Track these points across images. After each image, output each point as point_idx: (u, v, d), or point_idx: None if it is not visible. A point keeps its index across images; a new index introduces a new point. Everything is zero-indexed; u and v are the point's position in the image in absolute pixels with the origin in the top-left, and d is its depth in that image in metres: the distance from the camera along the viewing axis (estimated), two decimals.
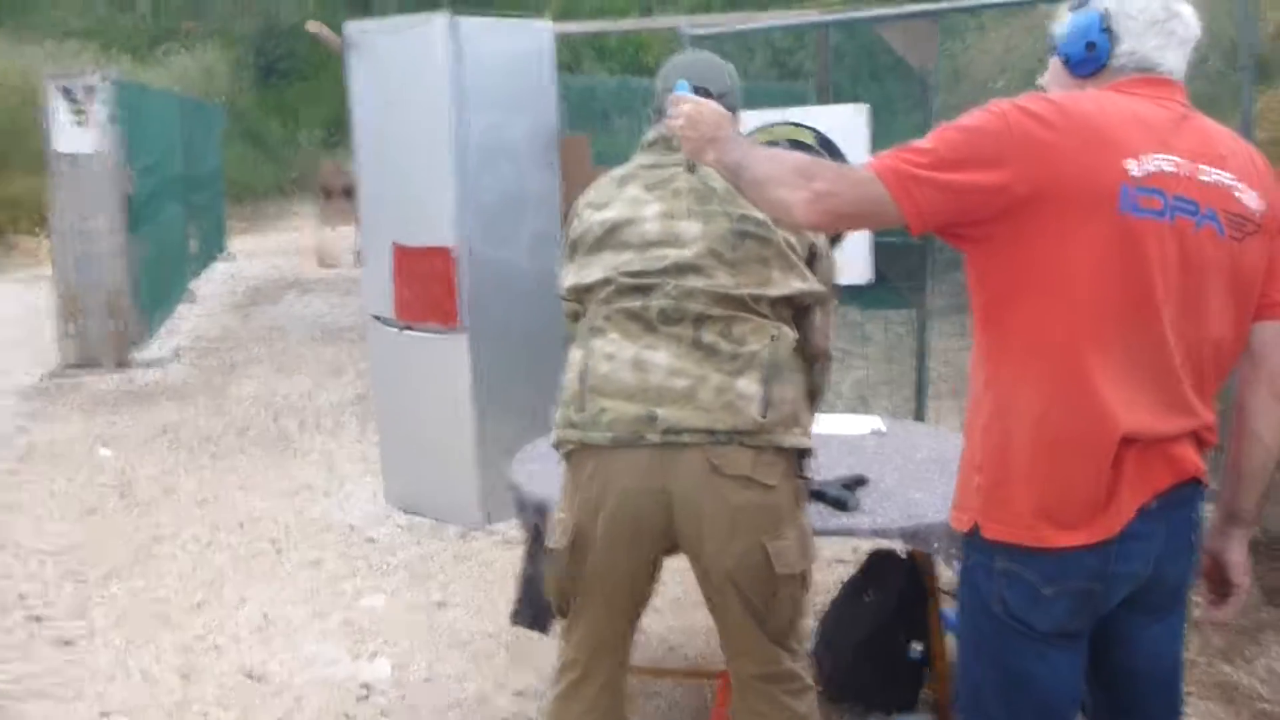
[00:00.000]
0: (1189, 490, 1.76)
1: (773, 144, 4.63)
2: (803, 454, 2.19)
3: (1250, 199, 1.74)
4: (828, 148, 4.34)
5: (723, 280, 2.15)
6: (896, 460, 3.08)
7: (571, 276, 2.30)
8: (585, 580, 2.21)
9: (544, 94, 4.77)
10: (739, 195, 2.08)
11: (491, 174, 4.58)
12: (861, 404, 6.18)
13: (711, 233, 2.17)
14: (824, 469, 3.00)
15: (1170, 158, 1.68)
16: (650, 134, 2.33)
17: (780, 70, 13.61)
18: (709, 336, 2.13)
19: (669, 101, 2.04)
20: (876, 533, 2.61)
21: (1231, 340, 1.78)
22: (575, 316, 2.31)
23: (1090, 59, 1.80)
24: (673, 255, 2.17)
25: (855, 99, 4.54)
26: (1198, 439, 1.77)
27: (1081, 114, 1.68)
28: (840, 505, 2.69)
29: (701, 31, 4.94)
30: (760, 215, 2.15)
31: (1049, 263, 1.66)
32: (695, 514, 2.11)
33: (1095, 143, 1.65)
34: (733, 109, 2.31)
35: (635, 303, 2.17)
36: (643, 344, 2.15)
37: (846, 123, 4.48)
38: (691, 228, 2.19)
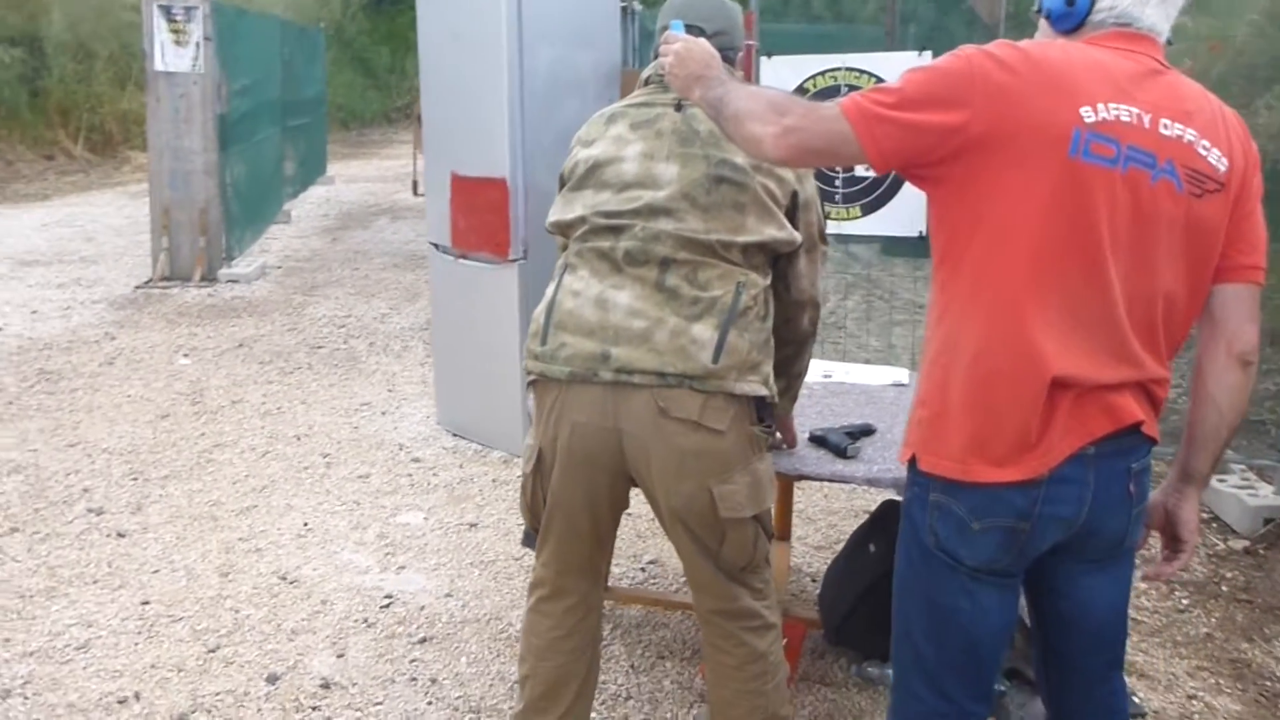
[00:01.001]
0: (1129, 441, 1.76)
1: (833, 88, 4.61)
2: (762, 402, 2.21)
3: (1214, 157, 1.73)
4: None
5: (693, 224, 2.16)
6: None
7: (555, 212, 2.35)
8: (549, 506, 2.28)
9: (608, 28, 4.79)
10: (722, 139, 2.12)
11: (553, 108, 4.62)
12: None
13: (687, 176, 2.19)
14: (838, 416, 3.03)
15: (1129, 108, 1.68)
16: (646, 71, 2.36)
17: (862, 11, 13.34)
18: (672, 280, 2.15)
19: (662, 40, 2.07)
20: (869, 481, 2.63)
21: (1184, 297, 1.77)
22: (563, 249, 2.36)
23: (1071, 14, 1.81)
24: (646, 197, 2.19)
25: (922, 49, 4.45)
26: (1145, 391, 1.76)
27: (1044, 60, 1.70)
28: (839, 452, 2.72)
29: None
30: (739, 160, 2.17)
31: (999, 204, 1.68)
32: (644, 453, 2.15)
33: (1053, 88, 1.67)
34: (731, 48, 2.32)
35: (605, 243, 2.21)
36: (609, 283, 2.19)
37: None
38: (669, 170, 2.21)
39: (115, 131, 15.53)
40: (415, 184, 12.56)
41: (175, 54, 7.99)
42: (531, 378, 2.25)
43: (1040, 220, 1.66)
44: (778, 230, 2.20)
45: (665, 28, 2.19)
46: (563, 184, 2.37)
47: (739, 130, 1.86)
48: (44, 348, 6.51)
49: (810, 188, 2.28)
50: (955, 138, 1.68)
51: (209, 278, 8.38)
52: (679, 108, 2.23)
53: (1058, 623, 1.93)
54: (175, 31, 7.95)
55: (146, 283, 8.27)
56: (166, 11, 7.94)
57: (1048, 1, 1.84)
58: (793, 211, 2.24)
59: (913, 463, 1.83)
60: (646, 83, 2.35)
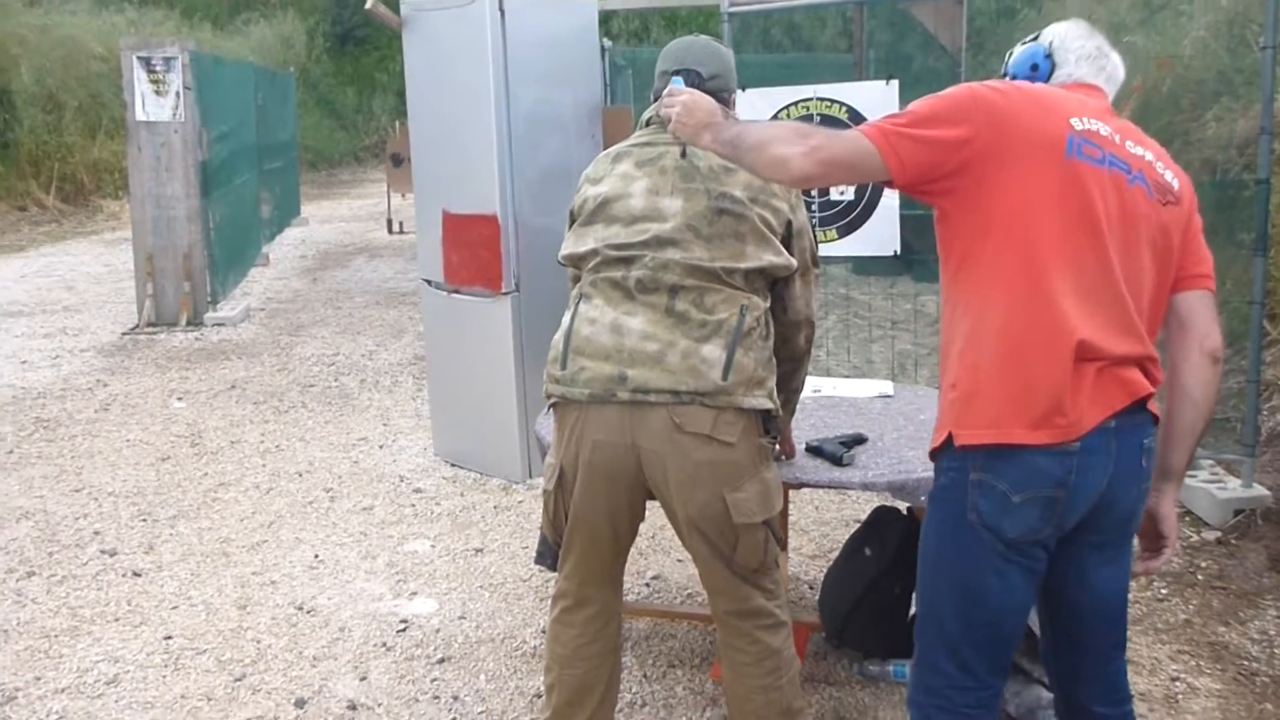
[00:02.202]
0: (1140, 417, 1.98)
1: (806, 117, 4.82)
2: (767, 415, 2.38)
3: (1168, 176, 2.04)
4: (858, 123, 4.50)
5: (698, 253, 2.35)
6: (899, 421, 3.27)
7: (568, 246, 2.53)
8: (571, 520, 2.45)
9: (589, 68, 4.99)
10: (721, 175, 2.33)
11: (537, 146, 4.81)
12: (901, 372, 6.34)
13: (690, 209, 2.38)
14: (830, 428, 3.21)
15: (1104, 125, 1.99)
16: (646, 113, 2.54)
17: (849, 41, 13.71)
18: (681, 305, 2.33)
19: (665, 94, 2.28)
20: (865, 486, 2.81)
21: (1153, 288, 2.01)
22: (575, 280, 2.54)
23: (1034, 76, 2.15)
24: (653, 229, 2.38)
25: (889, 76, 4.68)
26: (1146, 370, 1.98)
27: (1032, 89, 2.03)
28: (835, 460, 2.89)
29: (742, 9, 5.09)
30: (738, 193, 2.36)
31: (1009, 202, 1.93)
32: (661, 467, 2.32)
33: (1043, 106, 1.98)
34: (726, 89, 2.52)
35: (618, 273, 2.39)
36: (622, 310, 2.36)
37: (878, 98, 4.64)
38: (673, 204, 2.39)
39: (87, 181, 15.58)
40: (390, 222, 12.72)
41: (156, 104, 8.13)
42: (552, 400, 2.42)
43: (1049, 210, 1.91)
44: (775, 256, 2.38)
45: (665, 73, 2.39)
46: (573, 220, 2.55)
47: (762, 156, 2.06)
48: (38, 396, 6.60)
49: (803, 216, 2.47)
50: (962, 150, 1.93)
51: (195, 322, 8.49)
52: (681, 147, 2.42)
53: (1068, 610, 2.12)
54: (155, 82, 8.09)
55: (133, 329, 8.37)
56: (146, 63, 8.09)
57: (1013, 69, 2.21)
58: (788, 239, 2.43)
59: (947, 444, 2.00)
60: (647, 124, 2.53)
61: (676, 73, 2.44)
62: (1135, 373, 1.96)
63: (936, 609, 2.08)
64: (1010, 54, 2.25)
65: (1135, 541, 2.14)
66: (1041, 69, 2.14)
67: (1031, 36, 2.23)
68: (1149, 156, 2.03)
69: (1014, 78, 2.17)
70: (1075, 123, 1.95)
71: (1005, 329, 1.92)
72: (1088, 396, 1.90)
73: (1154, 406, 2.00)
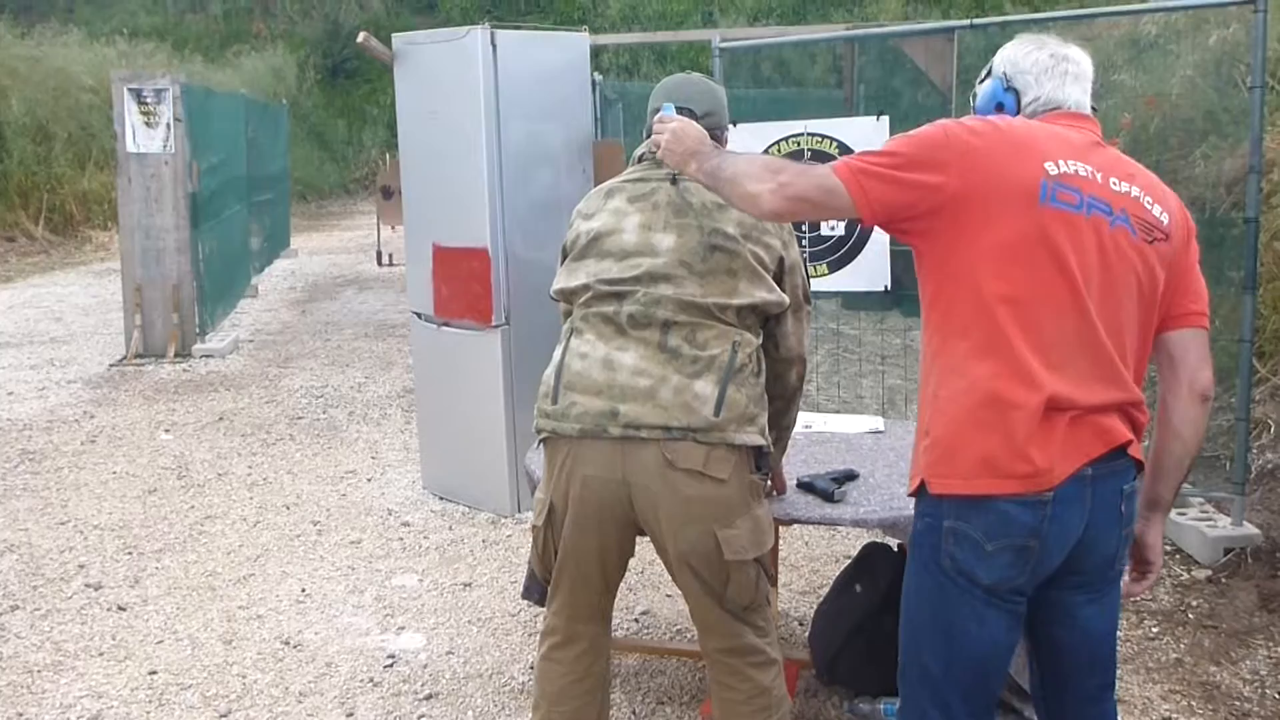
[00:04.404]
0: (1121, 463, 1.96)
1: (797, 153, 4.84)
2: (759, 451, 2.38)
3: (1156, 211, 2.01)
4: None
5: (690, 289, 2.35)
6: (889, 457, 3.27)
7: (560, 280, 2.52)
8: (561, 555, 2.43)
9: (579, 103, 5.00)
10: (714, 211, 2.33)
11: (528, 180, 4.82)
12: (891, 407, 6.35)
13: (684, 245, 2.38)
14: (821, 464, 3.20)
15: (1084, 165, 1.96)
16: (640, 149, 2.55)
17: (839, 77, 13.85)
18: (674, 340, 2.33)
19: (655, 120, 2.28)
20: (856, 522, 2.80)
21: (1138, 330, 2.00)
22: (567, 315, 2.53)
23: (1004, 112, 2.11)
24: (646, 264, 2.38)
25: (879, 112, 4.70)
26: (1127, 416, 1.96)
27: (1009, 128, 1.98)
28: (826, 497, 2.88)
29: (732, 44, 5.13)
30: (731, 230, 2.37)
31: (981, 249, 1.91)
32: (652, 503, 2.31)
33: (1018, 148, 1.94)
34: (719, 126, 2.53)
35: (609, 307, 2.39)
36: (614, 345, 2.36)
37: (868, 134, 4.66)
38: (666, 239, 2.39)
39: (76, 211, 15.54)
40: (380, 254, 12.71)
41: (146, 135, 8.13)
42: (543, 435, 2.41)
43: (1020, 260, 1.89)
44: (768, 293, 2.38)
45: (658, 110, 2.39)
46: (565, 255, 2.55)
47: (735, 190, 2.07)
48: (24, 428, 6.55)
49: (795, 253, 2.47)
50: (936, 195, 1.91)
51: (183, 354, 8.45)
52: (674, 182, 2.42)
53: (1055, 650, 2.10)
54: (146, 114, 8.10)
55: (121, 360, 8.33)
56: (137, 94, 8.10)
57: (980, 112, 2.15)
58: (780, 275, 2.44)
59: (922, 490, 2.00)
60: (640, 159, 2.54)
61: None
62: (1113, 420, 1.94)
63: (918, 654, 2.06)
64: (974, 94, 2.22)
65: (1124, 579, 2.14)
66: (1007, 105, 2.10)
67: (985, 72, 2.19)
68: (1135, 193, 1.99)
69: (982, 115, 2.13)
70: (1050, 167, 1.92)
71: (974, 382, 1.91)
72: (1059, 447, 1.89)
73: (1136, 451, 1.98)
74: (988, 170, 1.90)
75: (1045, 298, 1.89)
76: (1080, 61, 2.10)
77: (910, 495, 2.06)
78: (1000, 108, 2.10)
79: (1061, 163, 1.93)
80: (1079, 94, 2.08)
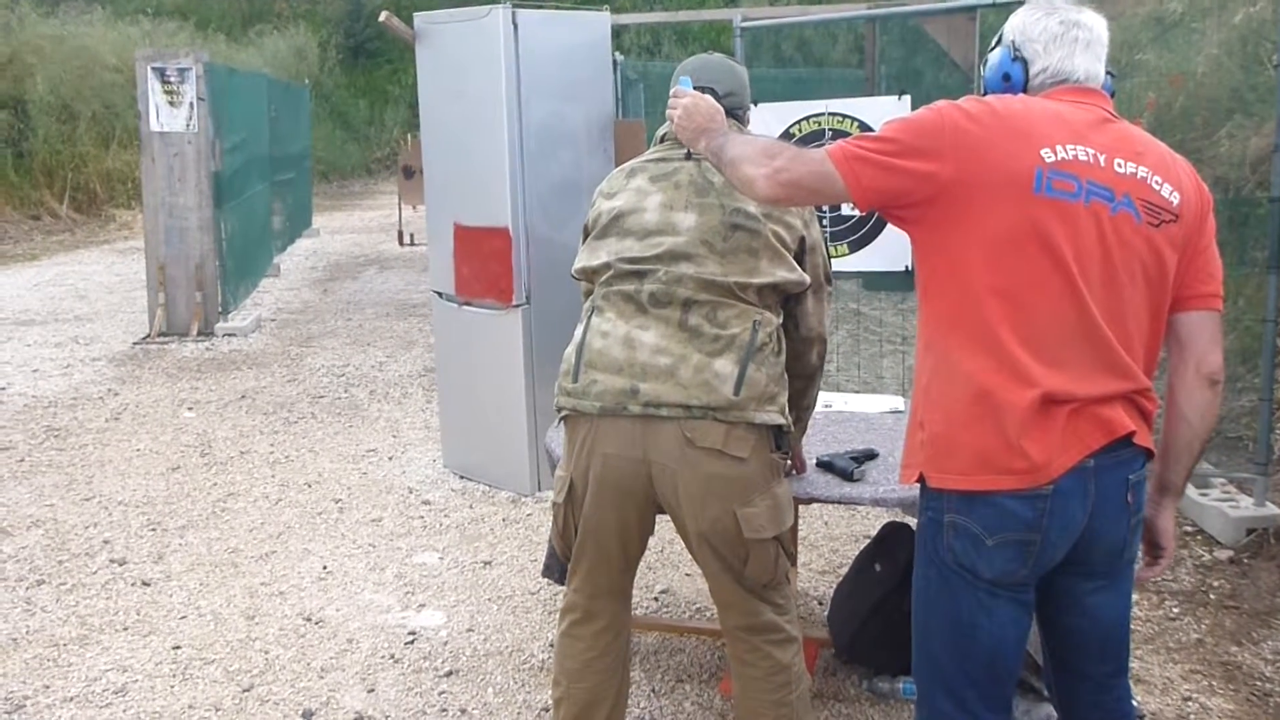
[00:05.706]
0: (1126, 453, 1.93)
1: (818, 133, 4.83)
2: (779, 430, 2.37)
3: (1166, 191, 1.94)
4: None
5: (711, 268, 2.34)
6: None
7: (581, 259, 2.52)
8: (581, 533, 2.44)
9: (601, 83, 4.99)
10: (736, 190, 2.31)
11: (549, 159, 4.82)
12: (911, 387, 6.32)
13: (705, 224, 2.37)
14: (840, 443, 3.20)
15: (1085, 149, 1.90)
16: (661, 129, 2.54)
17: (861, 56, 13.77)
18: (694, 319, 2.33)
19: (671, 95, 2.28)
20: (875, 502, 2.80)
21: (1147, 318, 1.95)
22: (588, 294, 2.54)
23: (1010, 87, 2.05)
24: (668, 243, 2.37)
25: (901, 91, 4.68)
26: (1134, 404, 1.94)
27: (1008, 111, 1.92)
28: (845, 476, 2.88)
29: (754, 24, 5.10)
30: (752, 209, 2.36)
31: (974, 239, 1.88)
32: (671, 481, 2.31)
33: (1015, 135, 1.88)
34: (740, 106, 2.52)
35: (630, 286, 2.39)
36: (635, 324, 2.36)
37: (889, 113, 4.62)
38: (687, 218, 2.39)
39: (100, 190, 15.66)
40: (401, 234, 12.74)
41: (170, 115, 8.17)
42: (564, 413, 2.41)
43: (1013, 251, 1.86)
44: (788, 272, 2.38)
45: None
46: (586, 234, 2.55)
47: (735, 173, 2.07)
48: (49, 405, 6.62)
49: (816, 232, 2.47)
50: (929, 184, 1.89)
51: (206, 332, 8.51)
52: (694, 160, 2.42)
53: (1067, 636, 2.09)
54: (169, 93, 8.13)
55: (144, 338, 8.39)
56: (160, 74, 8.13)
57: (988, 84, 2.10)
58: (801, 254, 2.43)
59: (922, 483, 1.99)
60: (662, 139, 2.53)
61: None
62: (1115, 410, 1.91)
63: (930, 647, 2.06)
64: (985, 62, 2.15)
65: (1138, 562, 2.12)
66: (1014, 76, 2.04)
67: (995, 39, 2.13)
68: (1141, 173, 1.92)
69: (990, 91, 2.08)
70: (1047, 154, 1.87)
71: (970, 377, 1.89)
72: (1058, 440, 1.87)
73: (1144, 440, 1.95)
74: (982, 159, 1.87)
75: (1038, 290, 1.86)
76: (1093, 27, 2.02)
77: (902, 484, 2.05)
78: (1007, 79, 2.04)
79: (1060, 148, 1.88)
80: (1089, 62, 2.01)
